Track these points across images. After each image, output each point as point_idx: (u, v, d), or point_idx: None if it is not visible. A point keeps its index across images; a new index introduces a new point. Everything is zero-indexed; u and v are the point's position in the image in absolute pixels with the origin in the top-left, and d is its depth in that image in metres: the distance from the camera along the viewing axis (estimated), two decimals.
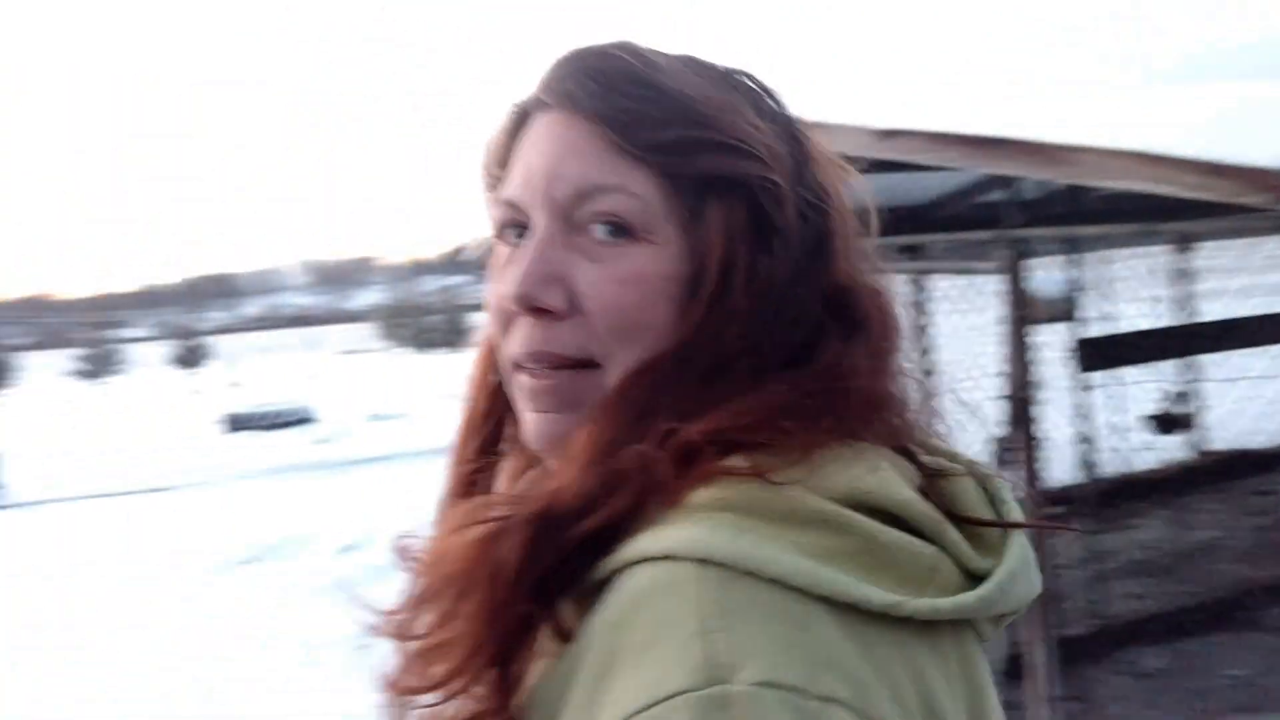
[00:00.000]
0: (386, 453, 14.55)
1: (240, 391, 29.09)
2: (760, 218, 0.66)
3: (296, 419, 19.27)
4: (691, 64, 0.70)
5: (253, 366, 44.93)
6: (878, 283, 0.71)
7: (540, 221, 0.68)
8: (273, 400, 21.65)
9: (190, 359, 41.67)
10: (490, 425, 0.77)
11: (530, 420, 0.70)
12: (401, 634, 0.65)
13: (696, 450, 0.61)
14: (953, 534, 0.62)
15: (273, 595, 7.41)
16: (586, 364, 0.67)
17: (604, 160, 0.66)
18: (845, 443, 0.62)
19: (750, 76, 0.72)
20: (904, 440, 0.66)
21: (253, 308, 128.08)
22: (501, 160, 0.73)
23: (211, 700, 5.50)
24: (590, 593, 0.60)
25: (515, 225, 0.70)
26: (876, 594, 0.56)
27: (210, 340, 47.06)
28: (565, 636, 0.60)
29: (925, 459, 0.66)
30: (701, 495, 0.59)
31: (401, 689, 0.65)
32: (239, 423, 19.36)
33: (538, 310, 0.67)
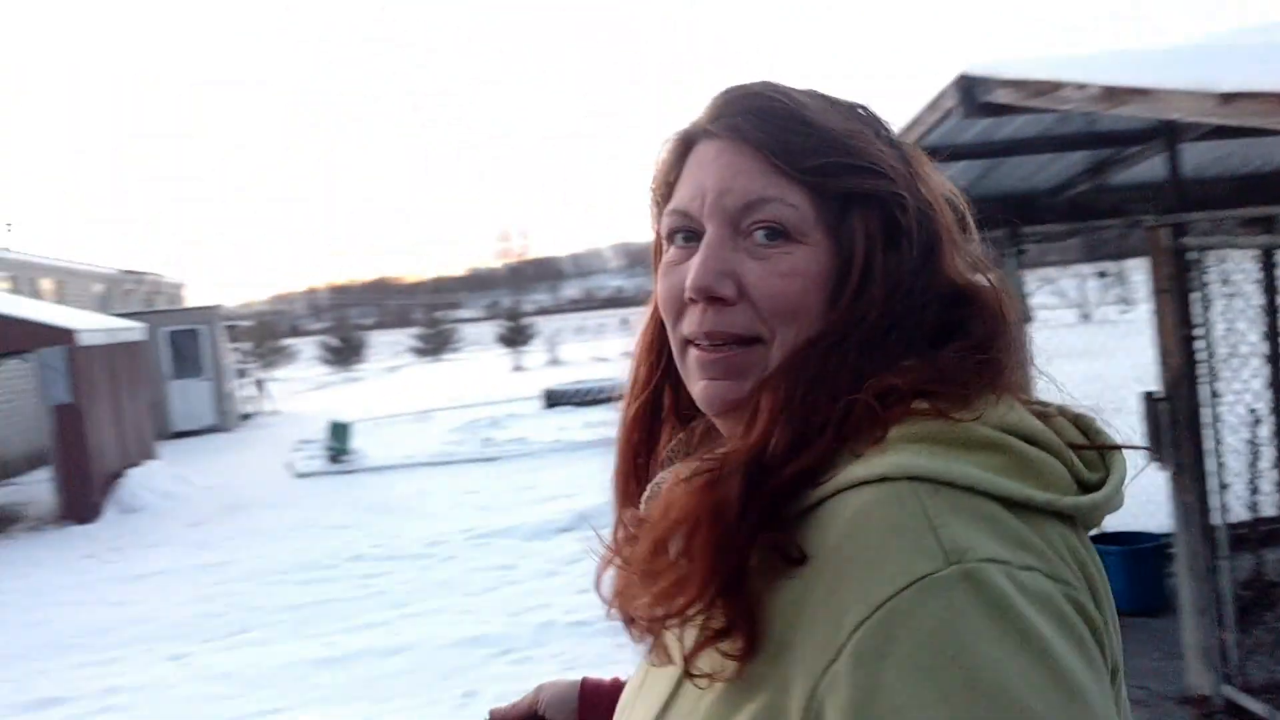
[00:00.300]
0: None
1: (559, 369, 30.65)
2: (890, 224, 0.83)
3: (610, 396, 20.04)
4: (824, 99, 0.87)
5: (571, 346, 47.22)
6: (985, 272, 0.88)
7: (712, 228, 0.84)
8: (588, 378, 22.66)
9: (515, 338, 44.27)
10: (651, 395, 0.98)
11: (702, 387, 0.86)
12: (645, 573, 0.79)
13: (894, 396, 0.76)
14: (1069, 454, 0.79)
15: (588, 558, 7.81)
16: (754, 340, 0.84)
17: (766, 179, 0.83)
18: (989, 393, 0.79)
19: (867, 108, 0.89)
20: (1017, 394, 0.82)
21: (571, 290, 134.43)
22: (669, 179, 0.91)
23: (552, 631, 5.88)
24: (803, 517, 0.74)
25: (685, 231, 0.87)
26: (1038, 494, 0.74)
27: (533, 321, 49.76)
28: (792, 558, 0.73)
29: (1033, 405, 0.83)
30: (896, 432, 0.75)
31: (648, 622, 0.81)
32: (556, 398, 20.40)
33: (713, 299, 0.83)
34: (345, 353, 47.73)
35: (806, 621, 0.71)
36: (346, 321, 61.08)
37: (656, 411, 0.99)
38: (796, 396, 0.79)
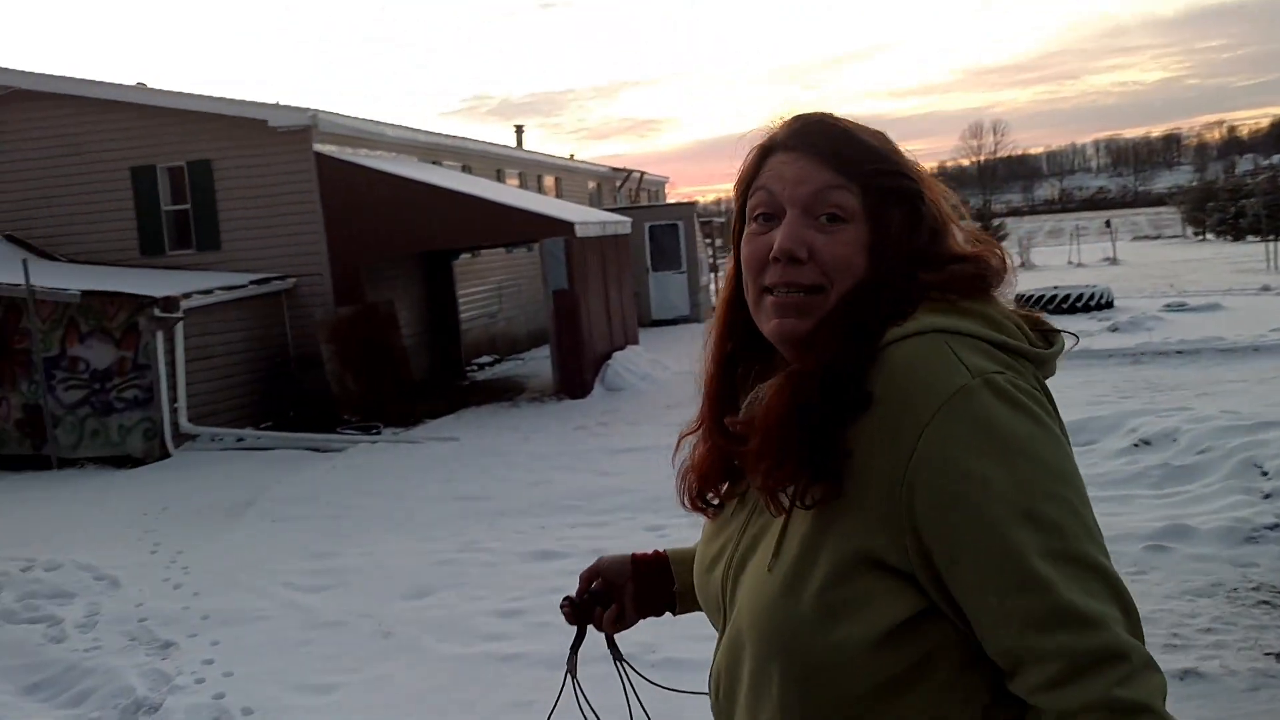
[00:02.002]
0: (1183, 345, 13.52)
1: (1032, 274, 29.02)
2: (913, 212, 1.22)
3: (1093, 302, 18.64)
4: (863, 125, 1.26)
5: (1045, 249, 44.50)
6: (978, 242, 1.26)
7: (791, 210, 1.21)
8: (1064, 283, 21.24)
9: None
10: (730, 338, 1.35)
11: (775, 324, 1.22)
12: (759, 455, 1.18)
13: (917, 295, 1.17)
14: (1026, 329, 1.20)
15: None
16: (817, 290, 1.20)
17: (830, 178, 1.20)
18: (978, 297, 1.19)
19: (886, 134, 1.28)
20: (996, 300, 1.21)
21: (1047, 189, 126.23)
22: (749, 177, 1.28)
23: None
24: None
25: (766, 213, 1.24)
26: (1012, 341, 1.16)
27: (1003, 222, 47.40)
28: (863, 404, 1.12)
29: (1003, 307, 1.22)
30: (919, 311, 1.15)
31: (769, 489, 1.17)
32: (1032, 305, 19.32)
33: (792, 259, 1.19)
34: None
35: (881, 441, 1.10)
36: None
37: (733, 354, 1.35)
38: (851, 321, 1.16)
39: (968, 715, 1.11)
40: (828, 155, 1.20)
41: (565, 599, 1.56)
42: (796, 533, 1.15)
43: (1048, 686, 1.02)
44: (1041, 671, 1.02)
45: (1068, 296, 18.76)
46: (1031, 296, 19.02)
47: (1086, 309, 18.44)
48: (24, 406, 11.76)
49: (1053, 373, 1.20)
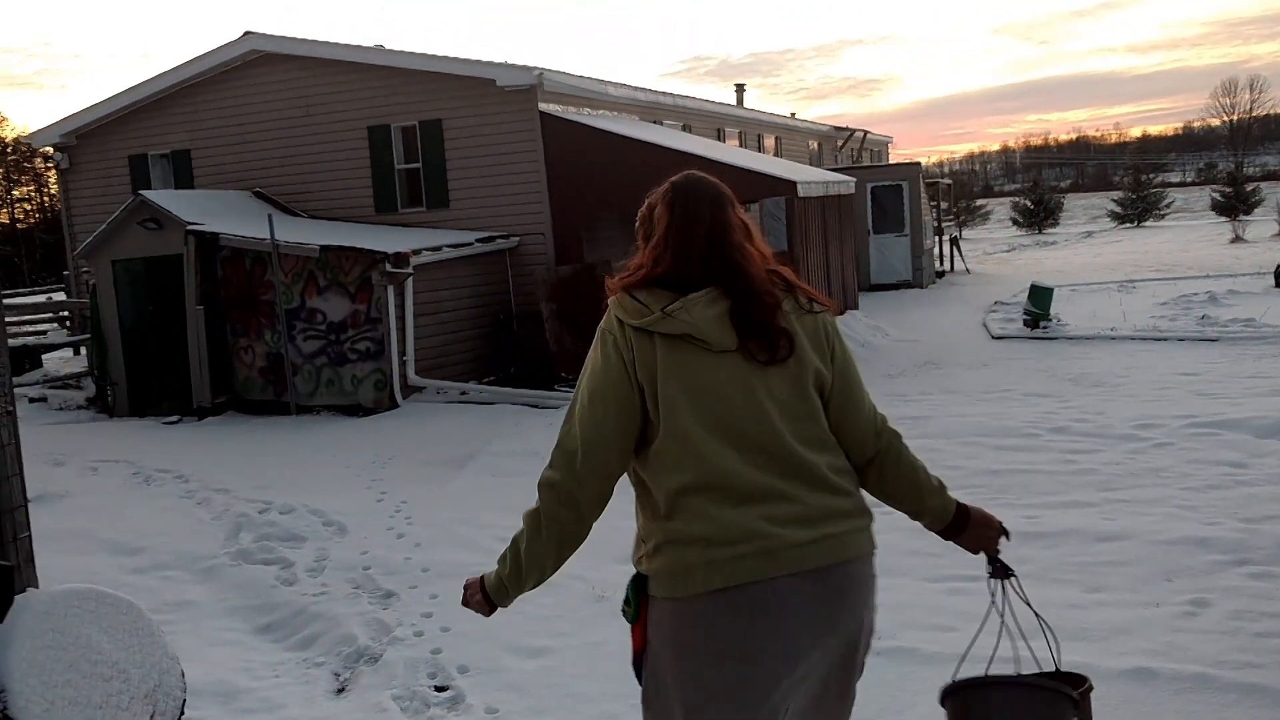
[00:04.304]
0: None
1: None
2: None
3: None
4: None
5: None
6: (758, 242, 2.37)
7: None
8: None
9: (1234, 206, 39.16)
10: None
11: None
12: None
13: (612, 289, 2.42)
14: (647, 306, 2.25)
15: None
16: None
17: None
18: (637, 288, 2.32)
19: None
20: (646, 289, 2.32)
21: None
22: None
23: None
24: None
25: None
26: (622, 316, 2.26)
27: (1257, 186, 43.52)
28: None
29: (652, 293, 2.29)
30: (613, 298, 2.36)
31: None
32: None
33: None
34: (1038, 215, 45.98)
35: None
36: (1042, 182, 58.67)
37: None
38: None
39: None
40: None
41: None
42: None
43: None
44: None
45: None
46: None
47: None
48: (267, 355, 12.43)
49: (653, 328, 2.21)
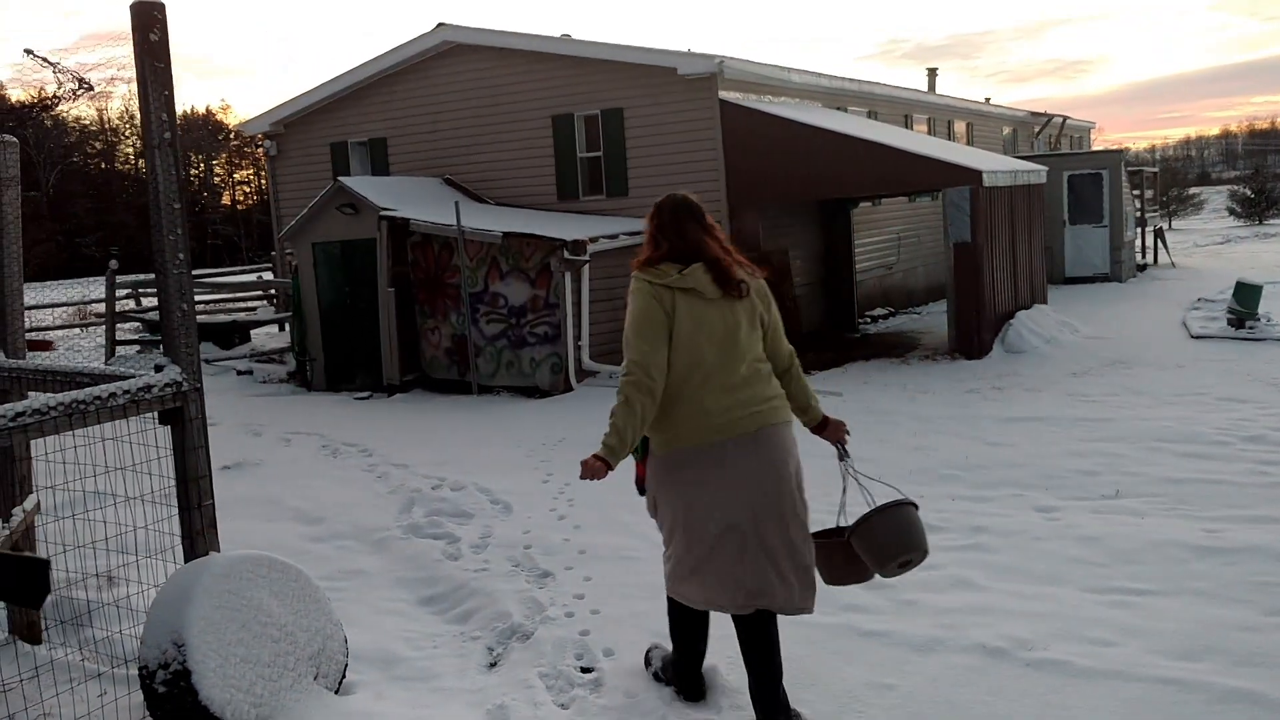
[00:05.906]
0: None
1: None
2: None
3: None
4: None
5: None
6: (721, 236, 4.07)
7: None
8: None
9: None
10: None
11: None
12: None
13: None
14: (671, 274, 3.94)
15: None
16: None
17: None
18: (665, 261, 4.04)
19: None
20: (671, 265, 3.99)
21: None
22: None
23: None
24: None
25: None
26: (655, 280, 3.93)
27: None
28: None
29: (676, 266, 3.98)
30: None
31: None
32: None
33: None
34: (1258, 205, 42.95)
35: None
36: (1265, 170, 54.69)
37: None
38: None
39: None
40: None
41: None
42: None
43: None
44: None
45: None
46: None
47: None
48: (452, 336, 12.95)
49: (680, 285, 3.88)
